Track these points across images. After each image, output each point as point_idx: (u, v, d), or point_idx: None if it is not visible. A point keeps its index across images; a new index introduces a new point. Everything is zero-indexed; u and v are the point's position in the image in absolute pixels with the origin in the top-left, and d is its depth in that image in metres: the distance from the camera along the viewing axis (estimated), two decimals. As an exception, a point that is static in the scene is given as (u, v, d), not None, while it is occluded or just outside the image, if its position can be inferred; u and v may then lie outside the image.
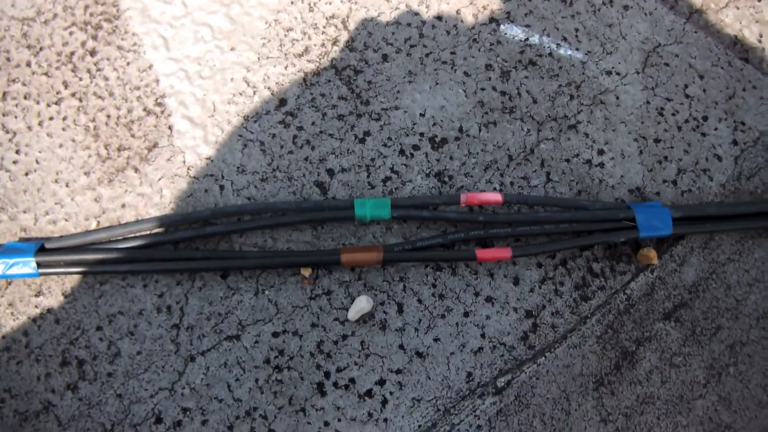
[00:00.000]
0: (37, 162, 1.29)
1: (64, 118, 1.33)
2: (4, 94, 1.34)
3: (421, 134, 1.35)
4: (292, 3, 1.45)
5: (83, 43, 1.39)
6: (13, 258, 1.14)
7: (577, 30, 1.47)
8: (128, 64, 1.38)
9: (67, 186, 1.28)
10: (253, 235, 1.24)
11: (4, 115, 1.33)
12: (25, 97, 1.34)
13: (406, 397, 1.14)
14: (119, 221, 1.25)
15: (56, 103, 1.34)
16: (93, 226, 1.24)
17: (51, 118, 1.33)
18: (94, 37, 1.40)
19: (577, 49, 1.45)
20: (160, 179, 1.28)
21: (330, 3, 1.46)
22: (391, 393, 1.15)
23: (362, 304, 1.18)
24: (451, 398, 1.15)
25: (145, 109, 1.34)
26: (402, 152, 1.33)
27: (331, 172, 1.31)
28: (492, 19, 1.47)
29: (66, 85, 1.36)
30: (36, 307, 1.18)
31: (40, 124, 1.32)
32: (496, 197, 1.23)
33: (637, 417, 1.17)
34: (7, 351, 1.15)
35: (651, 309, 1.24)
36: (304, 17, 1.44)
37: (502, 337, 1.20)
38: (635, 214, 1.23)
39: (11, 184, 1.27)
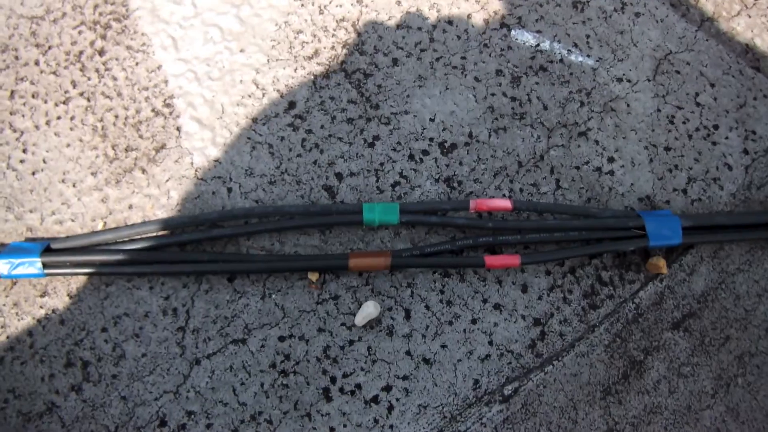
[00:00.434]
0: (44, 161, 1.29)
1: (72, 118, 1.32)
2: (12, 92, 1.34)
3: (431, 139, 1.34)
4: (302, 5, 1.45)
5: (92, 43, 1.39)
6: (19, 258, 1.14)
7: (588, 36, 1.47)
8: (137, 64, 1.37)
9: (74, 186, 1.27)
10: (260, 239, 1.24)
11: (11, 113, 1.32)
12: (33, 96, 1.34)
13: (413, 404, 1.14)
14: (126, 222, 1.24)
15: (64, 103, 1.33)
16: (99, 226, 1.24)
17: (59, 118, 1.32)
18: (103, 37, 1.39)
19: (588, 56, 1.45)
20: (167, 181, 1.28)
21: (340, 6, 1.45)
22: (397, 399, 1.14)
23: (369, 309, 1.17)
24: (458, 405, 1.14)
25: (153, 110, 1.34)
26: (411, 157, 1.32)
27: (339, 176, 1.30)
28: (503, 24, 1.46)
29: (74, 84, 1.35)
30: (41, 307, 1.18)
31: (48, 123, 1.32)
32: (506, 204, 1.22)
33: (645, 427, 1.16)
34: (12, 351, 1.15)
35: (659, 318, 1.23)
36: (314, 20, 1.44)
37: (509, 345, 1.19)
38: (645, 223, 1.22)
39: (18, 184, 1.27)
